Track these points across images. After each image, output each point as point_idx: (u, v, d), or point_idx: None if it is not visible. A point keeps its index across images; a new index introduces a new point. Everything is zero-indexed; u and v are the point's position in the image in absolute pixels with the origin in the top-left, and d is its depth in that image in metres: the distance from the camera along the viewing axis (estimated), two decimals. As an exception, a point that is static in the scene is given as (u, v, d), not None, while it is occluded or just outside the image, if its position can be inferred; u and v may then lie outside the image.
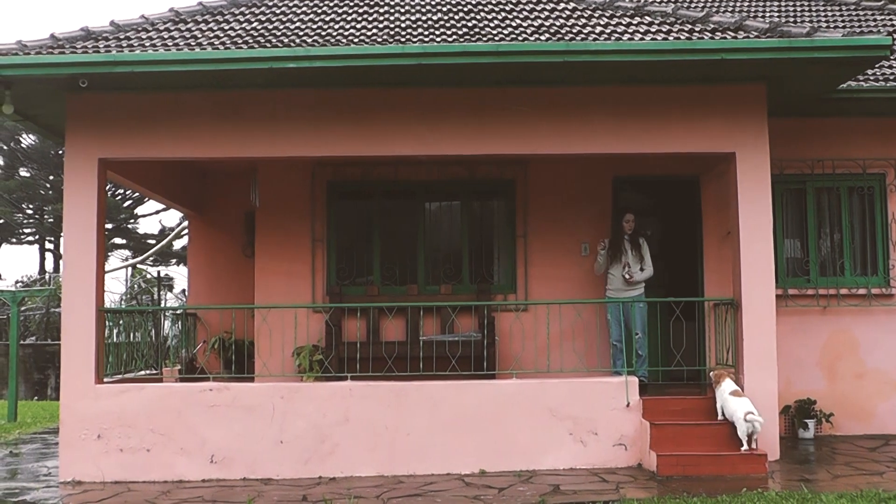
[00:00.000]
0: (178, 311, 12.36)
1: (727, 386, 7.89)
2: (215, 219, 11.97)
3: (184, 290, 17.07)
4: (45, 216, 34.46)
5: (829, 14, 11.26)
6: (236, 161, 9.79)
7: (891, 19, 11.04)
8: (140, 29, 8.48)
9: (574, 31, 8.12)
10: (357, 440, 8.06)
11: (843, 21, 10.91)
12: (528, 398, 8.16)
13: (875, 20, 11.00)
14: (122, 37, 8.26)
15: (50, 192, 34.26)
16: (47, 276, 27.64)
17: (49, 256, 36.44)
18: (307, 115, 8.38)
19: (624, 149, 8.43)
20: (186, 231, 13.04)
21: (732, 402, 7.73)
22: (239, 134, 8.39)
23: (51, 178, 34.36)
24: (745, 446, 7.60)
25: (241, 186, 10.89)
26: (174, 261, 33.72)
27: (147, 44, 8.04)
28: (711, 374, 8.21)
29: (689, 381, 8.64)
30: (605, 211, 9.98)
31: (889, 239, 9.89)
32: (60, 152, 26.77)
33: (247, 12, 8.96)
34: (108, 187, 10.25)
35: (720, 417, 7.93)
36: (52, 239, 35.47)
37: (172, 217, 36.66)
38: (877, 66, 9.12)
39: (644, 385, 8.54)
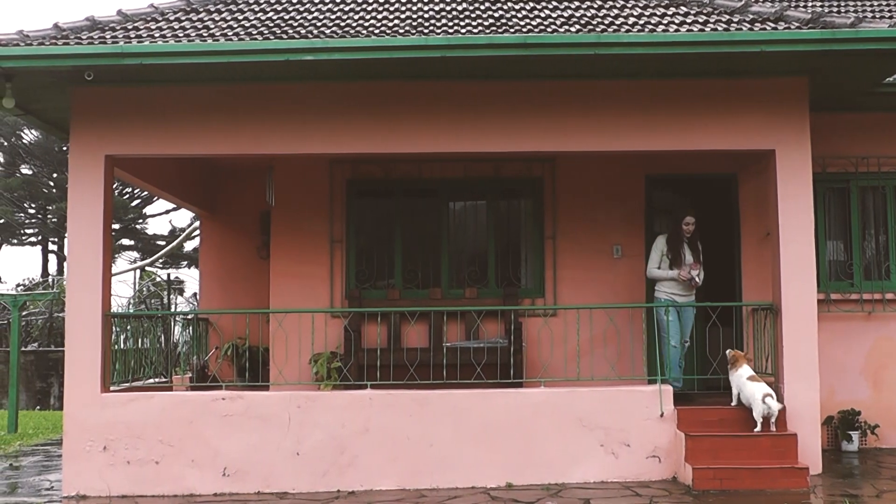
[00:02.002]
0: (189, 316, 12.29)
1: (744, 371, 7.92)
2: (228, 219, 11.81)
3: (195, 294, 16.93)
4: (49, 216, 34.35)
5: (876, 4, 11.11)
6: (251, 158, 9.63)
7: (941, 10, 10.95)
8: (149, 19, 8.34)
9: (606, 21, 7.99)
10: (377, 451, 7.93)
11: (889, 11, 10.79)
12: (556, 407, 8.03)
13: (925, 11, 10.93)
14: (129, 27, 8.11)
15: (53, 190, 34.16)
16: (50, 279, 27.64)
17: (52, 258, 36.40)
18: (325, 110, 8.24)
19: (657, 145, 8.28)
20: (198, 232, 12.95)
21: (750, 385, 7.79)
22: (253, 130, 8.25)
23: (54, 175, 34.26)
24: (759, 427, 7.66)
25: (256, 185, 10.75)
26: (185, 263, 33.65)
27: (157, 35, 7.90)
28: (729, 353, 8.16)
29: (726, 389, 8.34)
30: (638, 210, 9.82)
31: (937, 241, 9.74)
32: (65, 148, 26.50)
33: (262, 2, 8.80)
34: (114, 185, 10.10)
35: (734, 403, 7.97)
36: (56, 240, 35.41)
37: (183, 217, 36.68)
38: (925, 58, 8.90)
39: (678, 394, 8.39)
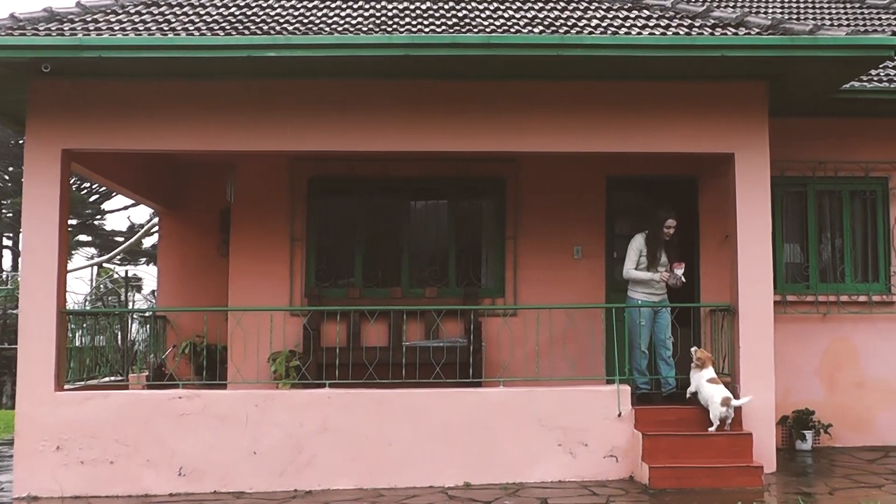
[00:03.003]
0: (147, 314, 12.05)
1: (707, 373, 8.01)
2: (188, 215, 11.66)
3: (153, 292, 16.66)
4: (4, 211, 33.60)
5: (834, 12, 11.25)
6: (211, 154, 9.46)
7: (896, 18, 11.09)
8: (109, 11, 8.21)
9: (569, 23, 8.01)
10: (335, 451, 7.87)
11: (847, 19, 10.92)
12: (515, 407, 8.02)
13: (881, 19, 10.98)
14: (89, 19, 7.98)
15: (9, 184, 33.36)
16: (5, 275, 27.03)
17: (7, 254, 35.53)
18: (287, 107, 8.17)
19: (618, 147, 8.32)
20: (157, 228, 12.77)
21: (709, 388, 7.91)
22: (214, 126, 8.16)
23: (10, 169, 33.44)
24: (714, 428, 7.80)
25: (216, 181, 10.60)
26: (143, 260, 33.10)
27: (116, 27, 7.78)
28: (697, 353, 8.18)
29: (684, 389, 8.40)
30: (599, 211, 9.86)
31: (891, 245, 9.81)
32: (21, 142, 26.06)
33: (224, -4, 8.72)
34: (72, 180, 9.91)
35: (688, 396, 8.16)
36: (11, 235, 34.60)
37: (142, 213, 36.22)
38: (881, 66, 9.06)
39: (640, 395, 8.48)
